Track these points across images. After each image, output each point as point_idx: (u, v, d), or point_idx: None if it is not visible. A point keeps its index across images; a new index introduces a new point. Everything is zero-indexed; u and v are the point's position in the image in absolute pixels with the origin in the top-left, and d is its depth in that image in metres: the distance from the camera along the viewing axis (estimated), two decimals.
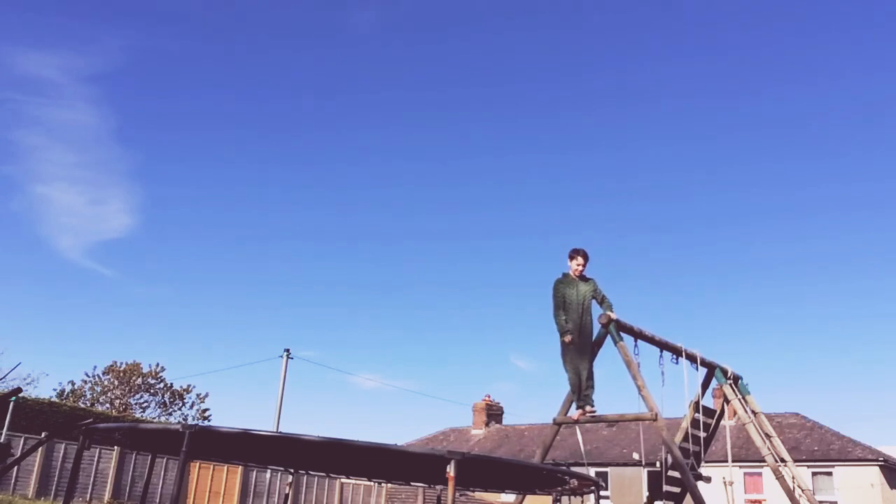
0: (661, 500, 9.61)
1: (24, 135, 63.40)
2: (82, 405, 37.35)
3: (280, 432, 8.55)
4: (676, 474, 9.29)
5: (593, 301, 8.77)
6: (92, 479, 23.61)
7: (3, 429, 21.41)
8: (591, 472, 22.63)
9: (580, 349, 8.54)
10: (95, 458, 23.75)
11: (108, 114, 70.59)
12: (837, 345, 64.15)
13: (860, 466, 26.50)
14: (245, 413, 74.41)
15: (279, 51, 68.85)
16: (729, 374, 10.33)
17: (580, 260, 8.81)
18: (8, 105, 60.10)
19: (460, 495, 21.92)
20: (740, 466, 26.61)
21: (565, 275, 8.80)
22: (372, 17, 68.28)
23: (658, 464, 10.36)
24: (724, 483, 10.29)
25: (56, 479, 22.71)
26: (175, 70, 67.81)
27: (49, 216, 68.91)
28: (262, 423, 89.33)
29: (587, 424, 9.47)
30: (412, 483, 8.29)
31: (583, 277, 8.80)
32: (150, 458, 7.24)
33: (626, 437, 30.95)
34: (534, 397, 72.88)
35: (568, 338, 8.41)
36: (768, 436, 10.26)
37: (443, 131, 70.28)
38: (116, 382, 44.27)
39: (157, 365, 45.33)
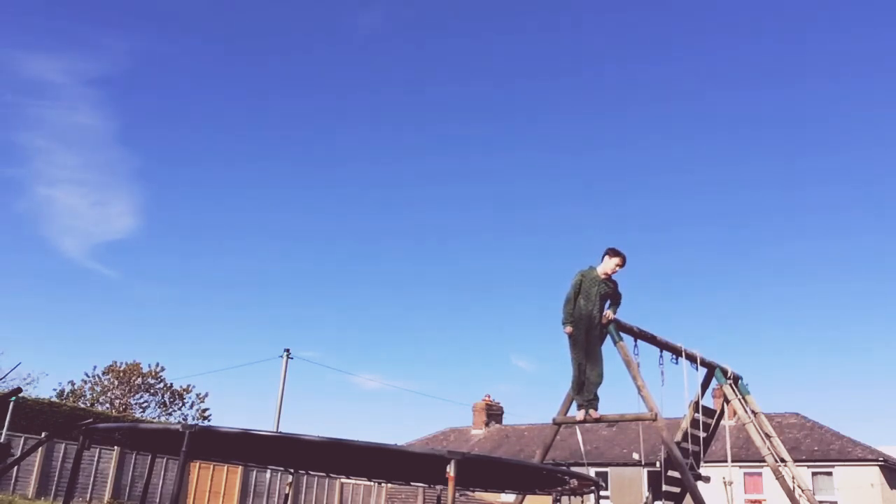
0: (661, 500, 9.60)
1: (29, 137, 63.52)
2: (82, 405, 37.37)
3: (280, 432, 8.54)
4: (676, 474, 9.28)
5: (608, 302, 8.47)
6: (92, 479, 23.62)
7: (3, 429, 21.42)
8: (591, 472, 22.63)
9: (588, 350, 8.30)
10: (95, 458, 23.75)
11: (112, 116, 70.74)
12: (837, 345, 64.20)
13: (860, 466, 26.49)
14: (245, 413, 74.50)
15: (282, 52, 68.89)
16: (729, 374, 10.32)
17: (619, 261, 8.37)
18: (13, 108, 60.20)
19: (460, 495, 21.91)
20: (740, 466, 26.60)
21: (592, 268, 8.46)
22: (377, 17, 68.32)
23: (658, 464, 10.36)
24: (724, 483, 10.29)
25: (56, 479, 22.72)
26: (178, 72, 67.90)
27: (52, 217, 69.00)
28: (262, 423, 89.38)
29: (587, 424, 9.44)
30: (412, 483, 8.28)
31: (608, 278, 8.48)
32: (150, 458, 7.23)
33: (626, 437, 30.95)
34: (534, 397, 72.88)
35: (568, 329, 8.24)
36: (768, 436, 10.25)
37: (443, 133, 70.31)
38: (116, 382, 44.28)
39: (157, 365, 45.42)
